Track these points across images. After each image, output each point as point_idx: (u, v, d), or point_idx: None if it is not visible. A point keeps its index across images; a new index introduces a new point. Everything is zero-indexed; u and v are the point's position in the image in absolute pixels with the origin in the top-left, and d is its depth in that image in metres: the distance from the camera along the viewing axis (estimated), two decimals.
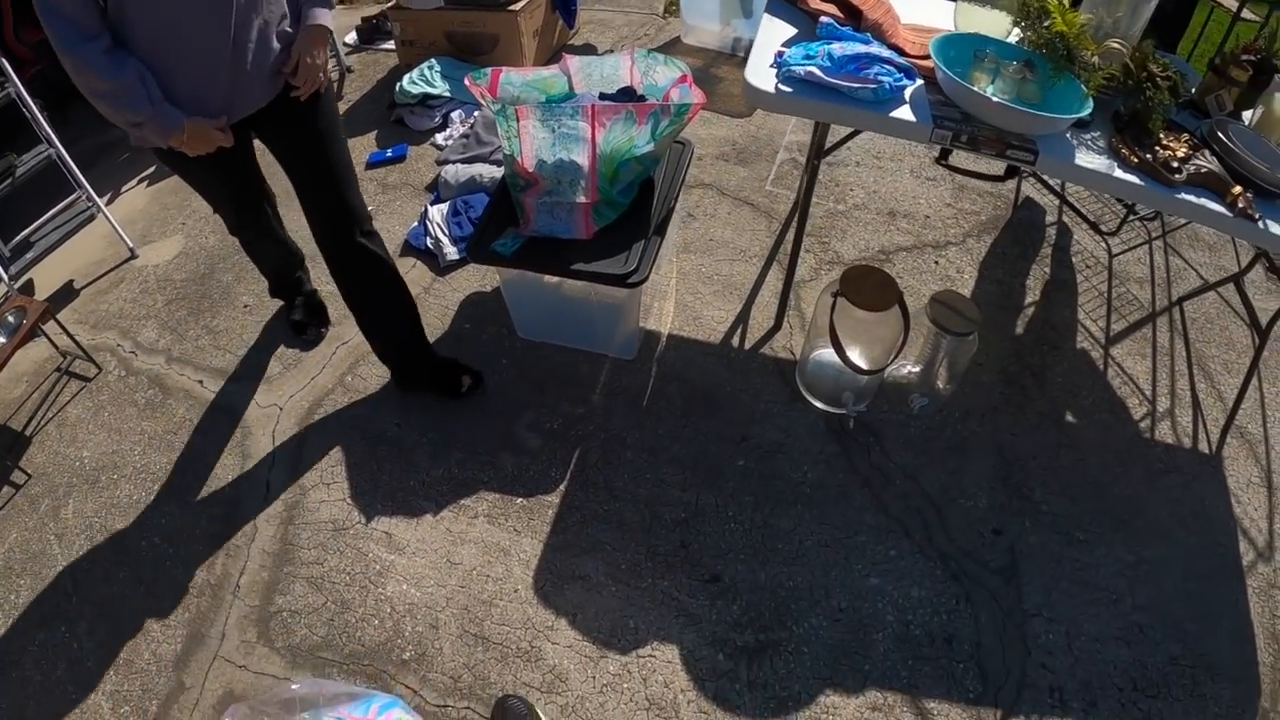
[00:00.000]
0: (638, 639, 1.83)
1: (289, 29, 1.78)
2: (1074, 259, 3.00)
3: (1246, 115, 2.17)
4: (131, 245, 2.74)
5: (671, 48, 3.42)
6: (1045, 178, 3.18)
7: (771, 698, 1.78)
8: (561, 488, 2.04)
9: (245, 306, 2.55)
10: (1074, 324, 2.77)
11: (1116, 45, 1.95)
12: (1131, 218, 3.21)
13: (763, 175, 2.82)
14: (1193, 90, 2.16)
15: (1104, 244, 3.11)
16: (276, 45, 1.75)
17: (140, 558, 1.98)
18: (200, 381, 2.35)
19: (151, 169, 3.13)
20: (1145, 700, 2.05)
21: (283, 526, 2.01)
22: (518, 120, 2.01)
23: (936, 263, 2.71)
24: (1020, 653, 1.99)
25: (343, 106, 3.47)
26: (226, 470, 2.14)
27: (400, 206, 2.72)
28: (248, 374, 2.36)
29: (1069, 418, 2.48)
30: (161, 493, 2.10)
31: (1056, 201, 3.18)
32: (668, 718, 1.73)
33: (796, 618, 1.90)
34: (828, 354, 2.20)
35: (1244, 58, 2.09)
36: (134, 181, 3.08)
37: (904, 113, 1.77)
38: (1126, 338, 2.83)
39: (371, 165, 2.98)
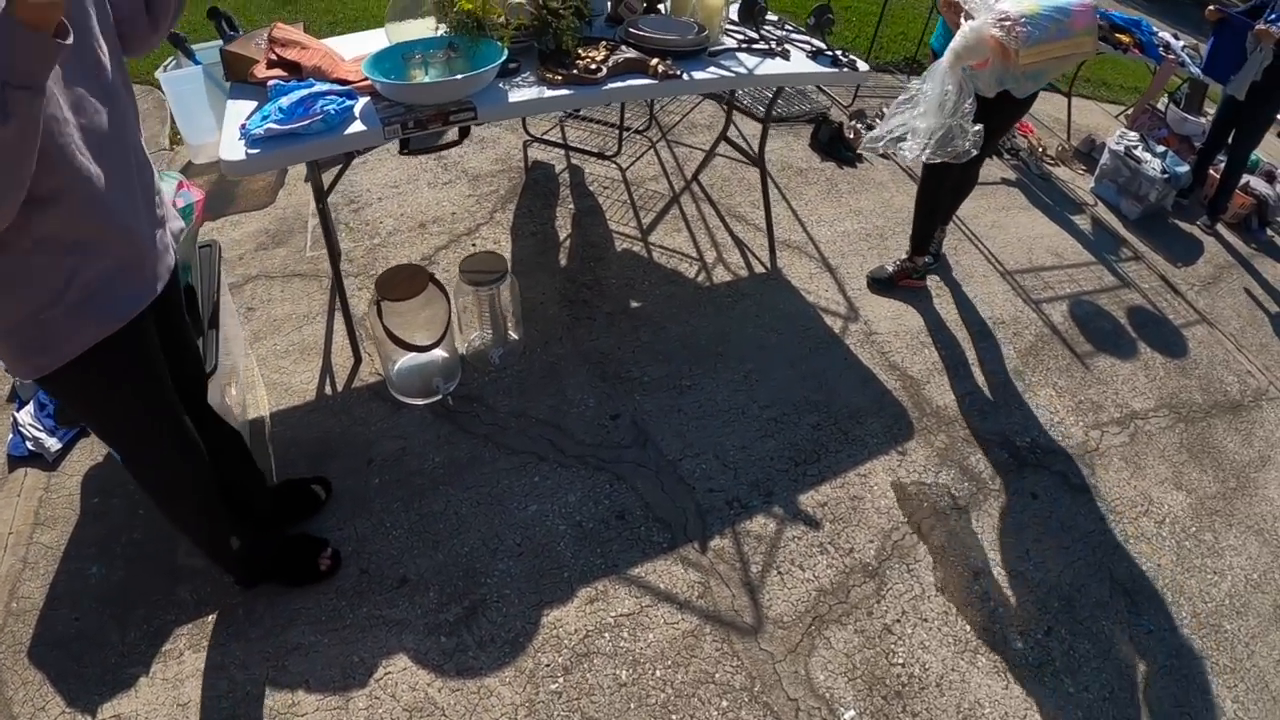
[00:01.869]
0: (368, 667, 1.91)
1: None
2: (592, 188, 3.49)
3: (663, 8, 2.69)
4: None
5: (189, 173, 3.46)
6: (542, 137, 3.66)
7: (504, 644, 1.95)
8: (238, 587, 2.09)
9: None
10: (609, 235, 3.23)
11: (518, 1, 2.31)
12: (627, 132, 3.80)
13: (301, 246, 3.00)
14: (607, 7, 2.60)
15: (614, 165, 3.64)
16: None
17: None
18: None
19: None
20: (811, 465, 2.46)
21: None
22: None
23: (474, 245, 3.04)
24: (686, 491, 2.31)
25: None
26: None
27: None
28: None
29: (634, 304, 2.90)
30: None
31: (563, 152, 3.67)
32: (431, 714, 1.84)
33: (485, 571, 2.08)
34: (404, 359, 2.45)
35: None
36: None
37: (355, 127, 2.01)
38: (659, 225, 3.35)
39: None
